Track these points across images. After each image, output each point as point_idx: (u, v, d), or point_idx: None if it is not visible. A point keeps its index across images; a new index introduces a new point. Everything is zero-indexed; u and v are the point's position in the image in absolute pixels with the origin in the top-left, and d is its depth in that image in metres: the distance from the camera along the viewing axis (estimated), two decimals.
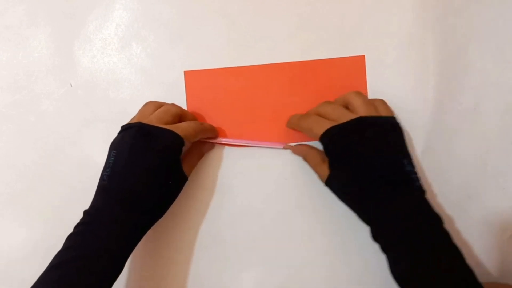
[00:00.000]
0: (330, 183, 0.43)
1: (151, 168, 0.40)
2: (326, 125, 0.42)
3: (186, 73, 0.49)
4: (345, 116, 0.42)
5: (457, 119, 0.49)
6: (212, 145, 0.49)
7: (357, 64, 0.49)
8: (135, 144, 0.40)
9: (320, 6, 0.49)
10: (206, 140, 0.48)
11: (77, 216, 0.49)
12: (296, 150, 0.48)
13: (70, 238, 0.39)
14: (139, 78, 0.49)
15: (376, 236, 0.40)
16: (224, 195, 0.48)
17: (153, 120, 0.42)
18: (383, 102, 0.45)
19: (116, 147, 0.41)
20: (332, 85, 0.49)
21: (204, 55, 0.49)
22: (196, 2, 0.49)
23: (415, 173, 0.40)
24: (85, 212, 0.41)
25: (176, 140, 0.41)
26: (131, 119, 0.45)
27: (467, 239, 0.48)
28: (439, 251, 0.38)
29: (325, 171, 0.43)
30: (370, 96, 0.49)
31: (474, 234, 0.48)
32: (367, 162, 0.40)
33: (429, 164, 0.48)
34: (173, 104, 0.46)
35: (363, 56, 0.49)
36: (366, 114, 0.42)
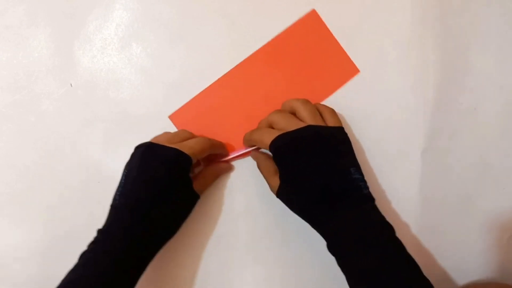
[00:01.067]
0: (280, 195, 0.42)
1: (159, 184, 0.41)
2: (275, 134, 0.41)
3: (172, 117, 0.49)
4: (293, 124, 0.41)
5: (457, 119, 0.49)
6: (230, 167, 0.49)
7: (313, 21, 0.48)
8: (143, 162, 0.41)
9: (320, 6, 0.49)
10: (219, 158, 0.48)
11: (77, 216, 0.49)
12: (253, 156, 0.48)
13: (83, 256, 0.40)
14: (139, 78, 0.49)
15: (331, 249, 0.40)
16: (225, 195, 0.48)
17: (162, 141, 0.43)
18: (331, 111, 0.44)
19: (127, 166, 0.42)
20: (303, 51, 0.49)
21: (204, 55, 0.49)
22: (196, 2, 0.49)
23: (364, 181, 0.40)
24: (98, 231, 0.41)
25: (181, 157, 0.41)
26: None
27: (467, 239, 0.48)
28: (393, 262, 0.37)
29: (276, 182, 0.42)
30: (369, 96, 0.49)
31: (474, 234, 0.48)
32: (313, 171, 0.39)
33: (429, 164, 0.48)
34: (183, 131, 0.47)
35: (313, 10, 0.48)
36: (313, 123, 0.41)
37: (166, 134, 0.47)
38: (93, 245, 0.40)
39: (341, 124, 0.43)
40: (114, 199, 0.41)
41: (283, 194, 0.42)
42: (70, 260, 0.49)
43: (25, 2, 0.49)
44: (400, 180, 0.49)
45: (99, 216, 0.49)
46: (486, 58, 0.49)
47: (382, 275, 0.36)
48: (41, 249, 0.49)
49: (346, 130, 0.43)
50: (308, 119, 0.42)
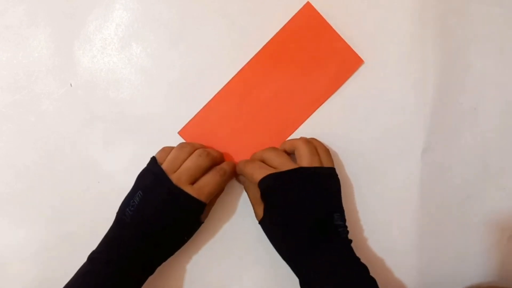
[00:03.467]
0: (263, 226, 0.43)
1: (173, 226, 0.42)
2: (265, 172, 0.42)
3: (181, 133, 0.49)
4: (286, 165, 0.42)
5: (457, 119, 0.49)
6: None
7: (308, 14, 0.48)
8: (161, 202, 0.41)
9: (320, 6, 0.49)
10: None
11: (77, 216, 0.49)
12: (240, 180, 0.48)
13: (85, 266, 0.41)
14: (139, 78, 0.49)
15: (303, 286, 0.41)
16: (225, 194, 0.48)
17: (182, 177, 0.42)
18: (326, 150, 0.45)
19: (144, 191, 0.42)
20: (304, 47, 0.48)
21: (204, 55, 0.49)
22: (196, 2, 0.49)
23: (344, 226, 0.41)
24: (102, 242, 0.42)
25: (200, 207, 0.42)
26: (161, 152, 0.45)
27: (467, 239, 0.48)
28: None
29: (261, 212, 0.43)
30: (369, 96, 0.49)
31: (474, 234, 0.48)
32: (296, 214, 0.40)
33: (429, 164, 0.48)
34: (206, 155, 0.44)
35: (308, 2, 0.48)
36: (308, 165, 0.42)
37: (187, 152, 0.44)
38: (97, 255, 0.41)
39: (333, 164, 0.44)
40: (123, 213, 0.42)
41: (264, 226, 0.43)
42: (70, 260, 0.49)
43: (25, 2, 0.49)
44: (400, 180, 0.49)
45: (98, 216, 0.49)
46: (486, 58, 0.49)
47: None
48: (41, 249, 0.49)
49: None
50: (307, 158, 0.42)
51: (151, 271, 0.43)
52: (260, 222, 0.44)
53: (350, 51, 0.48)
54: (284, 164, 0.42)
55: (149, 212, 0.41)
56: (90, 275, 0.40)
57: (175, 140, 0.48)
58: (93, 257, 0.41)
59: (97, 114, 0.49)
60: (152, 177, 0.43)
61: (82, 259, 0.49)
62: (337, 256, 0.40)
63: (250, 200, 0.46)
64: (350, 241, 0.42)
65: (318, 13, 0.48)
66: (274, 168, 0.43)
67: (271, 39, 0.49)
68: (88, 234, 0.49)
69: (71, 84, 0.49)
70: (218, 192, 0.45)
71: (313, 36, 0.48)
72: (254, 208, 0.45)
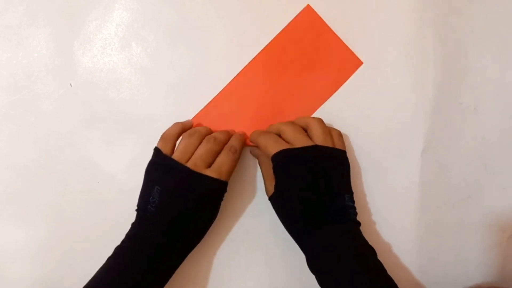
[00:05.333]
0: (272, 201, 0.43)
1: (200, 211, 0.42)
2: (280, 147, 0.42)
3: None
4: (301, 141, 0.42)
5: (457, 119, 0.49)
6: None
7: (309, 16, 0.48)
8: (182, 189, 0.41)
9: (320, 9, 0.49)
10: None
11: (77, 216, 0.49)
12: (254, 152, 0.48)
13: (112, 258, 0.41)
14: (139, 78, 0.49)
15: (311, 267, 0.41)
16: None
17: (198, 163, 0.42)
18: (339, 134, 0.45)
19: (160, 184, 0.42)
20: (304, 49, 0.49)
21: (204, 55, 0.49)
22: (196, 2, 0.49)
23: (354, 207, 0.42)
24: (127, 236, 0.42)
25: (224, 186, 0.43)
26: (162, 141, 0.44)
27: (467, 239, 0.48)
28: (372, 284, 0.38)
29: (272, 187, 0.43)
30: (369, 96, 0.49)
31: (474, 234, 0.48)
32: (308, 192, 0.40)
33: (429, 164, 0.48)
34: (214, 139, 0.44)
35: (308, 5, 0.48)
36: (322, 144, 0.42)
37: (197, 138, 0.44)
38: (122, 250, 0.41)
39: (345, 148, 0.44)
40: (146, 210, 0.41)
41: (274, 202, 0.43)
42: (69, 260, 0.49)
43: (25, 2, 0.49)
44: (400, 180, 0.49)
45: (98, 216, 0.49)
46: (486, 58, 0.49)
47: None
48: (41, 249, 0.49)
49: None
50: (320, 138, 0.42)
51: (180, 261, 0.43)
52: (270, 198, 0.43)
53: (349, 53, 0.49)
54: (299, 140, 0.42)
55: (175, 204, 0.41)
56: (114, 270, 0.40)
57: None
58: (118, 252, 0.41)
59: (97, 114, 0.49)
60: (167, 169, 0.42)
61: (82, 259, 0.49)
62: (346, 236, 0.40)
63: (263, 174, 0.46)
64: (359, 223, 0.42)
65: (318, 15, 0.48)
66: (289, 143, 0.42)
67: (272, 40, 0.49)
68: (88, 234, 0.49)
69: (71, 84, 0.49)
70: (234, 169, 0.45)
71: (313, 38, 0.49)
72: (265, 184, 0.45)
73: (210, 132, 0.46)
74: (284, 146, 0.42)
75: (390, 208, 0.48)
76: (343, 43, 0.48)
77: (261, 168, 0.46)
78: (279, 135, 0.44)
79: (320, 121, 0.44)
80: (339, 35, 0.49)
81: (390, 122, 0.49)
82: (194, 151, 0.43)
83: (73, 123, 0.49)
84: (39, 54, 0.49)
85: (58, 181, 0.49)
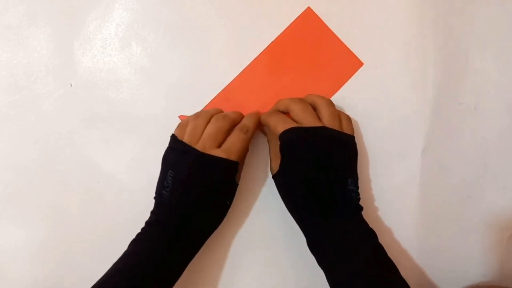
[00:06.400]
0: (276, 180, 0.43)
1: (212, 193, 0.42)
2: (288, 125, 0.42)
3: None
4: (310, 121, 0.42)
5: (457, 119, 0.49)
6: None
7: (309, 18, 0.48)
8: (193, 171, 0.41)
9: (320, 11, 0.49)
10: None
11: (77, 216, 0.49)
12: (265, 131, 0.47)
13: (133, 244, 0.41)
14: (139, 78, 0.49)
15: (311, 248, 0.41)
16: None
17: (207, 144, 0.42)
18: (349, 118, 0.45)
19: (174, 168, 0.42)
20: (305, 51, 0.49)
21: (204, 55, 0.49)
22: (196, 2, 0.49)
23: (357, 192, 0.41)
24: (146, 222, 0.42)
25: (232, 166, 0.42)
26: (179, 128, 0.44)
27: (467, 239, 0.48)
28: (373, 266, 0.38)
29: (277, 165, 0.43)
30: (369, 96, 0.49)
31: (474, 234, 0.48)
32: (313, 174, 0.40)
33: (429, 163, 0.48)
34: (223, 117, 0.44)
35: (309, 7, 0.48)
36: (330, 126, 0.42)
37: (204, 119, 0.44)
38: (142, 236, 0.41)
39: (353, 133, 0.44)
40: (162, 196, 0.41)
41: (277, 180, 0.43)
42: (69, 260, 0.49)
43: (25, 2, 0.49)
44: (400, 180, 0.49)
45: (98, 216, 0.49)
46: (486, 58, 0.49)
47: (360, 280, 0.37)
48: (41, 249, 0.49)
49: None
50: (328, 120, 0.42)
51: (200, 245, 0.43)
52: (273, 176, 0.43)
53: (350, 54, 0.49)
54: (308, 119, 0.42)
55: (186, 186, 0.41)
56: (135, 254, 0.40)
57: None
58: (137, 238, 0.41)
59: (97, 114, 0.49)
60: (177, 153, 0.42)
61: (82, 259, 0.49)
62: (348, 219, 0.40)
63: (270, 153, 0.46)
64: (361, 208, 0.41)
65: (319, 17, 0.48)
66: (297, 121, 0.42)
67: (272, 42, 0.49)
68: (88, 234, 0.49)
69: (71, 84, 0.49)
70: (245, 149, 0.45)
71: (313, 40, 0.49)
72: (271, 162, 0.45)
73: (219, 112, 0.46)
74: (293, 125, 0.42)
75: (390, 207, 0.48)
76: (344, 44, 0.48)
77: (269, 146, 0.46)
78: (288, 112, 0.44)
79: (329, 102, 0.44)
80: (339, 36, 0.49)
81: (390, 122, 0.49)
82: (203, 132, 0.43)
83: (73, 123, 0.49)
84: (39, 54, 0.49)
85: (58, 181, 0.49)
